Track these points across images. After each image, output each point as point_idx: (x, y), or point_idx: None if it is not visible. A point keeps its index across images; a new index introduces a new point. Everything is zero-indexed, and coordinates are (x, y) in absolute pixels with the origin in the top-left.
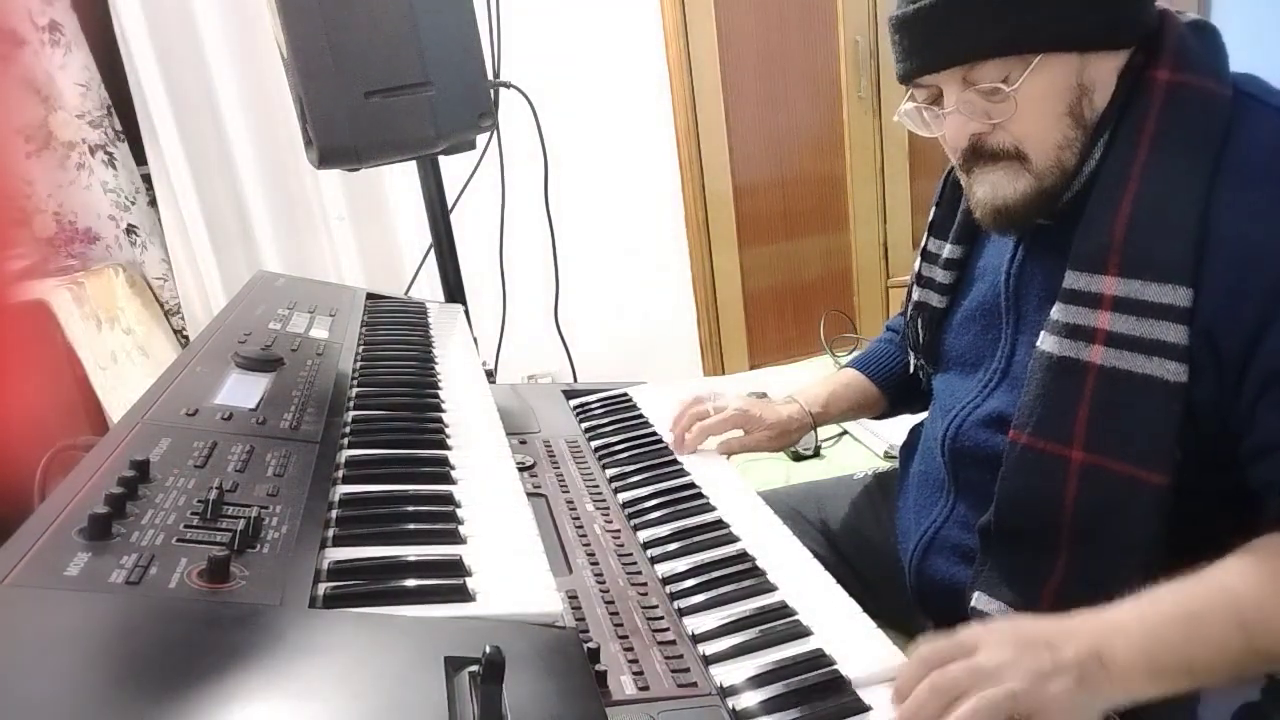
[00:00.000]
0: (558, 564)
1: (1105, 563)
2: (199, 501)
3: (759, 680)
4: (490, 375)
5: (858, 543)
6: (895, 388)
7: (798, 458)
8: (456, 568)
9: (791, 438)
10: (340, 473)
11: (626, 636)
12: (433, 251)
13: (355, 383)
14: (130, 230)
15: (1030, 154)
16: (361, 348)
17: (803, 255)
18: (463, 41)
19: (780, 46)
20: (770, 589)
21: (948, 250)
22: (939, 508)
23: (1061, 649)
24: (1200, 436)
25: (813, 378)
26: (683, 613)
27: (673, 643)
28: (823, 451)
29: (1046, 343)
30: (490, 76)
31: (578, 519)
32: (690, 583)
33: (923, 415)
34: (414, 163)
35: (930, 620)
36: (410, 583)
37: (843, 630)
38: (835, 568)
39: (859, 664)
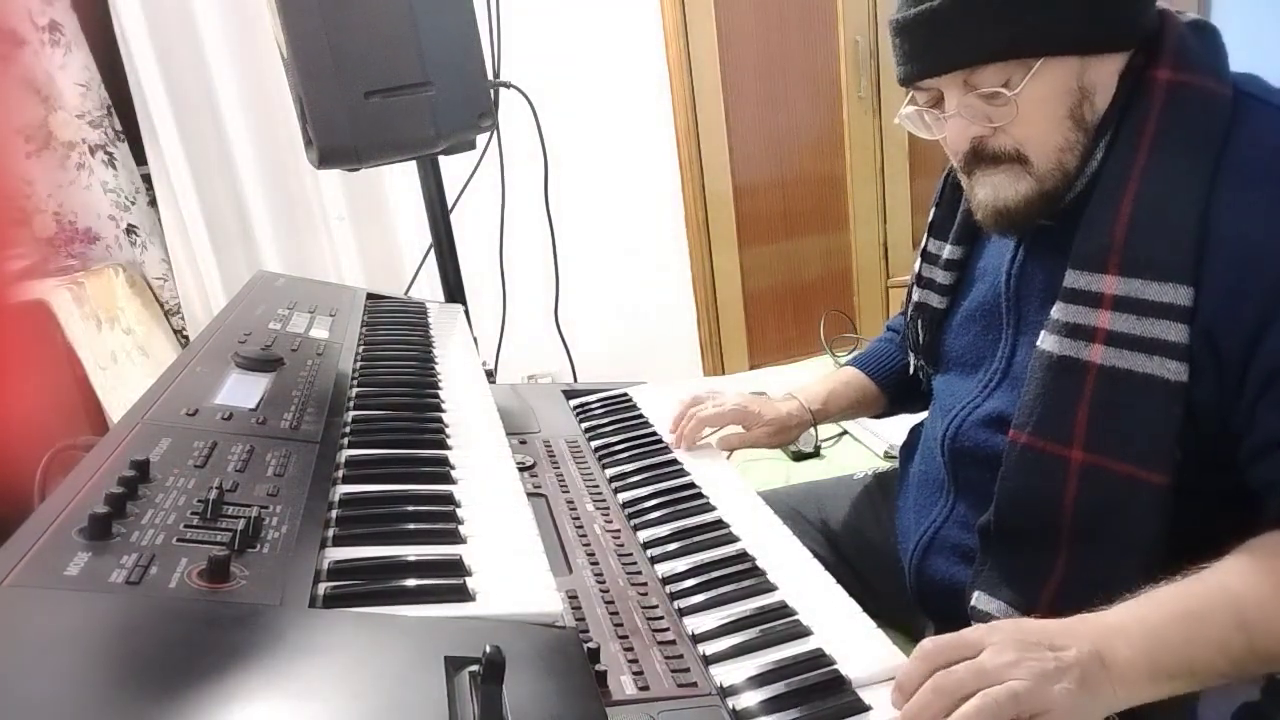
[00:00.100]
0: (558, 564)
1: (1105, 562)
2: (199, 501)
3: (759, 680)
4: (490, 375)
5: (858, 543)
6: (895, 387)
7: (798, 457)
8: (456, 568)
9: (791, 434)
10: (340, 473)
11: (626, 636)
12: (433, 251)
13: (355, 383)
14: (130, 230)
15: (1031, 157)
16: (361, 348)
17: (803, 255)
18: (463, 41)
19: (780, 46)
20: (770, 589)
21: (948, 251)
22: (939, 508)
23: (1064, 650)
24: (1200, 436)
25: (812, 377)
26: (683, 613)
27: (673, 643)
28: (823, 451)
29: (1047, 342)
30: (490, 76)
31: (578, 519)
32: (690, 583)
33: (922, 415)
34: (414, 163)
35: (930, 620)
36: (410, 583)
37: (843, 630)
38: (835, 568)
39: (859, 664)
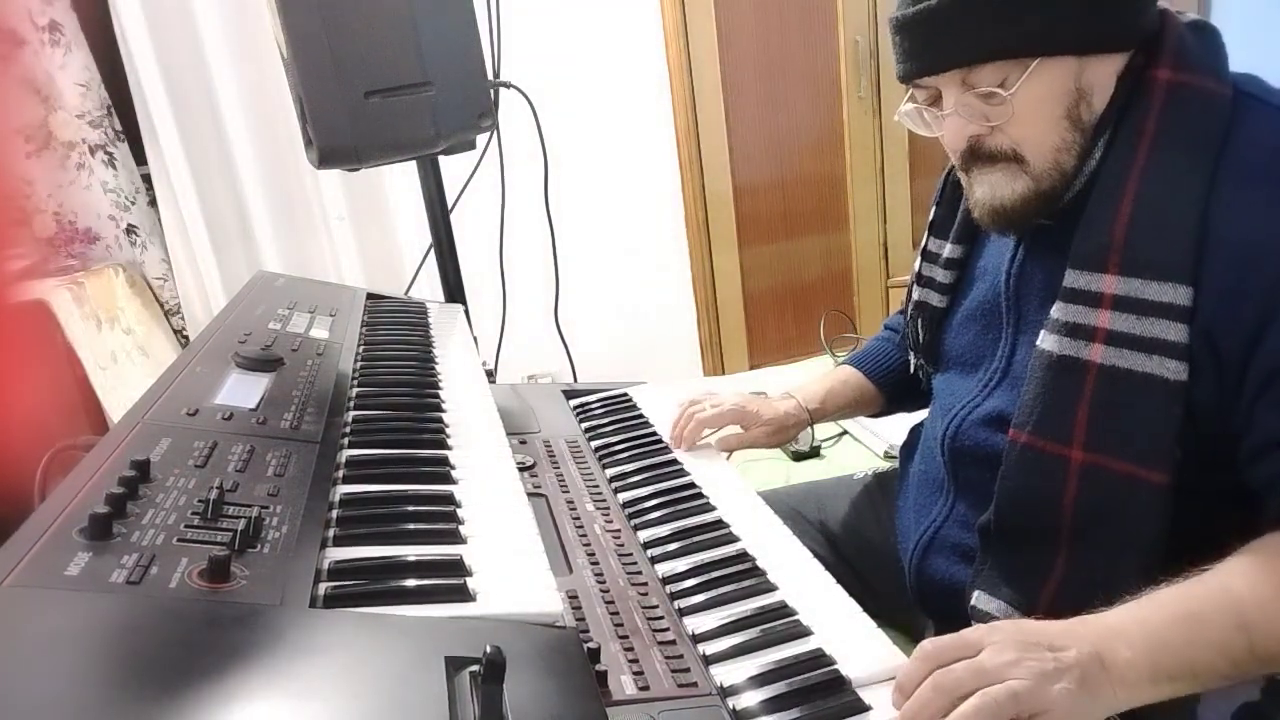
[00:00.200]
0: (558, 564)
1: (1105, 562)
2: (199, 501)
3: (759, 680)
4: (490, 375)
5: (858, 543)
6: (893, 386)
7: (797, 457)
8: (457, 568)
9: (789, 434)
10: (340, 473)
11: (626, 636)
12: (433, 251)
13: (355, 383)
14: (130, 230)
15: (1028, 156)
16: (361, 348)
17: (803, 255)
18: (463, 41)
19: (780, 46)
20: (770, 589)
21: (948, 250)
22: (939, 507)
23: (1064, 650)
24: (1200, 436)
25: (811, 377)
26: (683, 613)
27: (673, 642)
28: (822, 451)
29: (1046, 342)
30: (490, 76)
31: (578, 519)
32: (690, 583)
33: (922, 415)
34: (414, 163)
35: (930, 620)
36: (410, 583)
37: (843, 630)
38: (835, 568)
39: (859, 664)
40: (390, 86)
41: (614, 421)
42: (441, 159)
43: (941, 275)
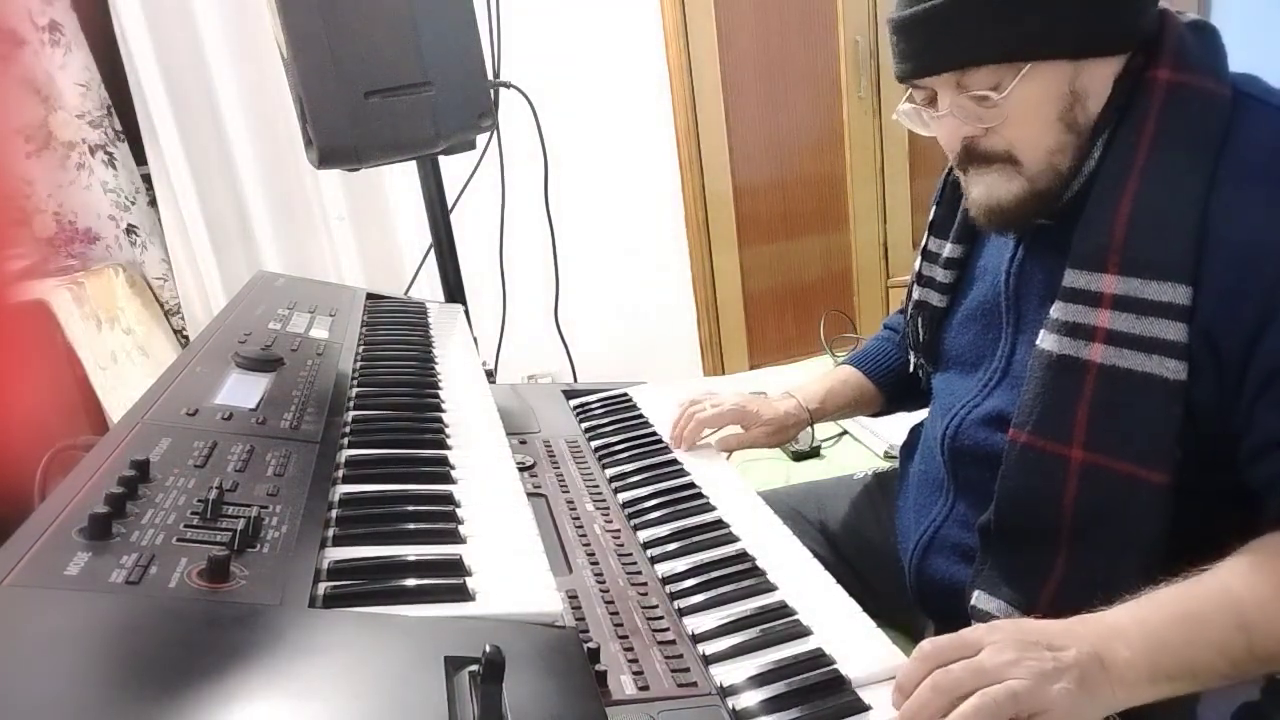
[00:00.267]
0: (558, 564)
1: (1105, 562)
2: (199, 501)
3: (759, 680)
4: (490, 375)
5: (858, 543)
6: (892, 385)
7: (797, 457)
8: (456, 567)
9: (789, 433)
10: (340, 472)
11: (626, 636)
12: (433, 251)
13: (355, 383)
14: (130, 230)
15: (1022, 158)
16: (361, 348)
17: (803, 255)
18: (463, 41)
19: (780, 46)
20: (770, 589)
21: (948, 249)
22: (939, 507)
23: (1063, 650)
24: (1200, 435)
25: (810, 376)
26: (683, 612)
27: (673, 642)
28: (822, 451)
29: (1046, 341)
30: (490, 76)
31: (578, 519)
32: (690, 582)
33: (922, 415)
34: (414, 163)
35: (930, 620)
36: (410, 582)
37: (843, 630)
38: (835, 568)
39: (859, 663)
40: (390, 86)
41: (614, 421)
42: (441, 159)
43: (941, 275)
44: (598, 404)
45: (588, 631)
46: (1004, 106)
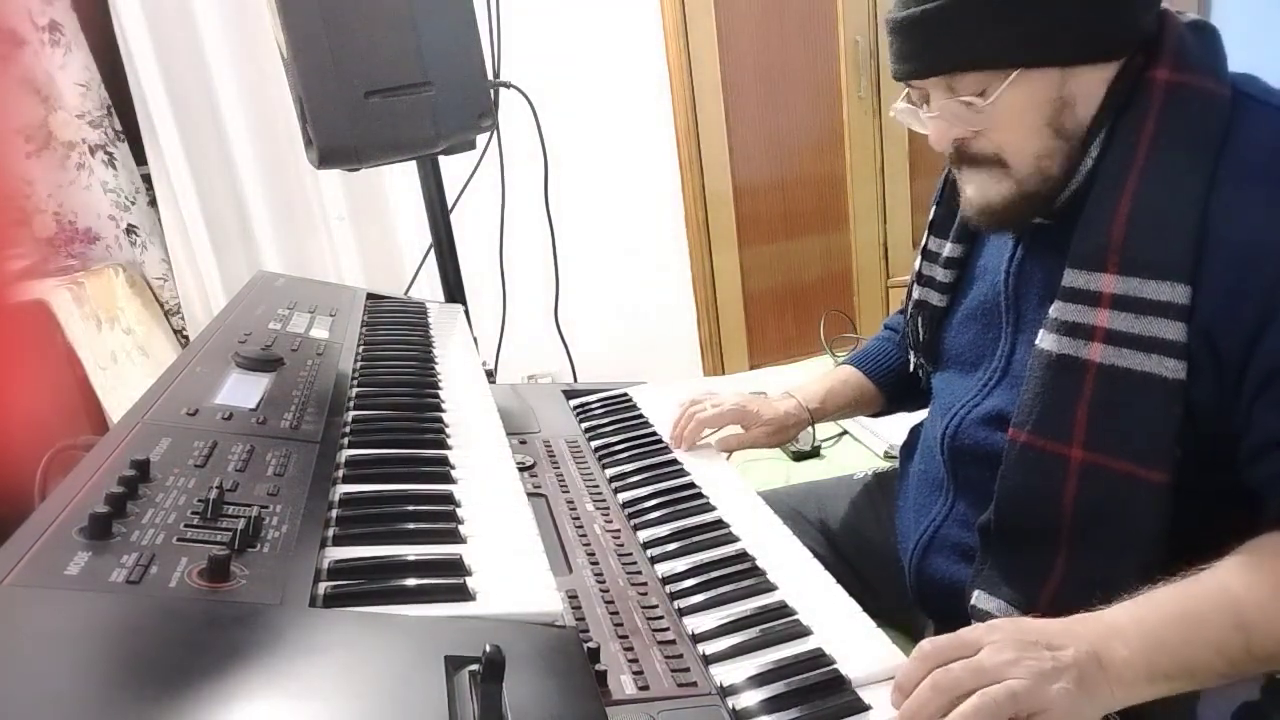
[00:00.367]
0: (558, 564)
1: (1105, 561)
2: (199, 501)
3: (759, 680)
4: (490, 375)
5: (858, 543)
6: (893, 385)
7: (797, 457)
8: (456, 567)
9: (789, 433)
10: (340, 472)
11: (626, 636)
12: (433, 251)
13: (355, 383)
14: (130, 230)
15: (1010, 161)
16: (361, 348)
17: (803, 255)
18: (463, 41)
19: (780, 46)
20: (770, 589)
21: (948, 249)
22: (938, 506)
23: (1062, 649)
24: (1200, 435)
25: (810, 376)
26: (683, 612)
27: (673, 642)
28: (823, 451)
29: (1045, 341)
30: (490, 76)
31: (578, 519)
32: (690, 582)
33: (922, 415)
34: (414, 163)
35: (930, 620)
36: (410, 582)
37: (843, 630)
38: (835, 567)
39: (859, 663)
40: (390, 86)
41: (614, 421)
42: (441, 159)
43: (941, 274)
44: (598, 404)
45: (588, 631)
46: (991, 111)
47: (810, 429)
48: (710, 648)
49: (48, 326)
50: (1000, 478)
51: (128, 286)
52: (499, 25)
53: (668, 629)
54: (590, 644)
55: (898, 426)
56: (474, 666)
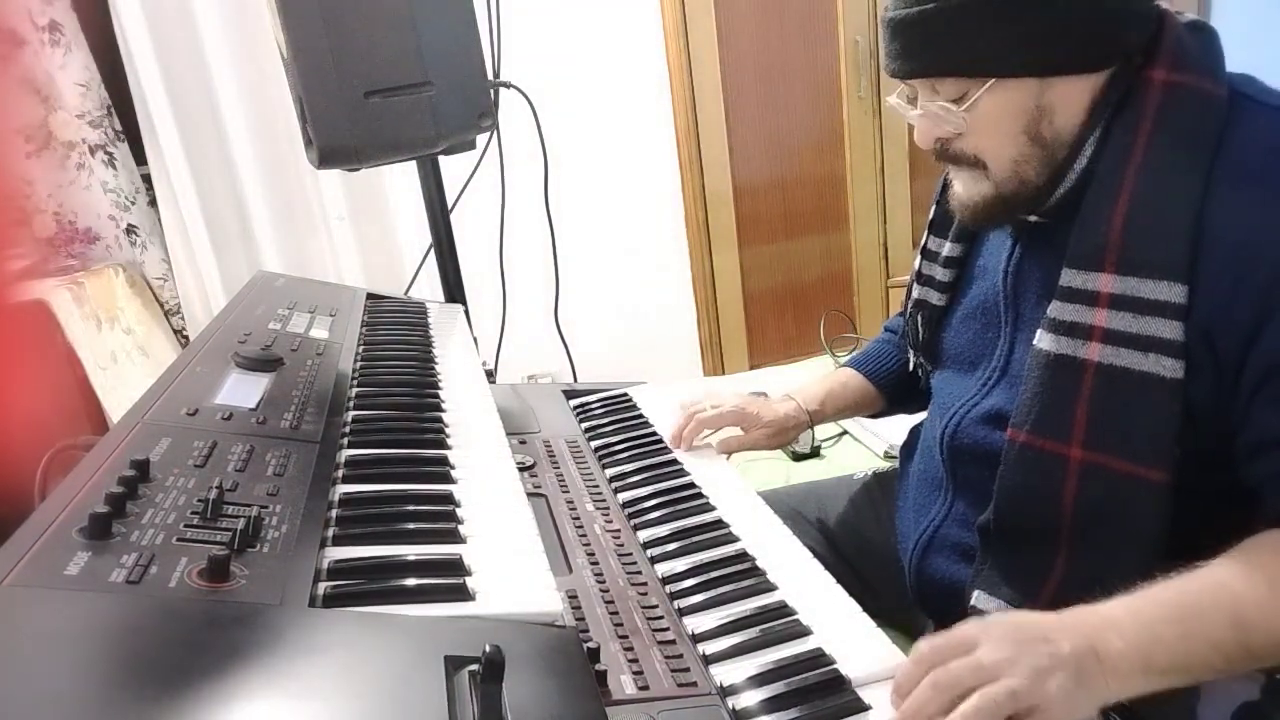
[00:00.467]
0: (558, 564)
1: (1105, 561)
2: (199, 501)
3: (759, 680)
4: (490, 375)
5: (858, 543)
6: (893, 387)
7: (797, 457)
8: (456, 567)
9: (789, 435)
10: (340, 472)
11: (626, 636)
12: (433, 251)
13: (355, 383)
14: (130, 230)
15: (989, 164)
16: (361, 348)
17: (803, 255)
18: (463, 41)
19: (780, 46)
20: (770, 588)
21: (947, 248)
22: (938, 506)
23: (1058, 644)
24: (1199, 434)
25: (811, 378)
26: (683, 612)
27: (673, 642)
28: (822, 451)
29: (1044, 340)
30: (490, 76)
31: (578, 519)
32: (690, 582)
33: (921, 415)
34: (414, 163)
35: (930, 619)
36: (410, 582)
37: (843, 630)
38: (835, 567)
39: (859, 663)
40: (390, 86)
41: (614, 421)
42: (441, 159)
43: (941, 274)
44: (598, 404)
45: (588, 631)
46: (969, 116)
47: (810, 431)
48: (710, 648)
49: (48, 326)
50: (999, 477)
51: (128, 286)
52: (499, 25)
53: (668, 629)
54: (590, 644)
55: (898, 426)
56: (474, 666)
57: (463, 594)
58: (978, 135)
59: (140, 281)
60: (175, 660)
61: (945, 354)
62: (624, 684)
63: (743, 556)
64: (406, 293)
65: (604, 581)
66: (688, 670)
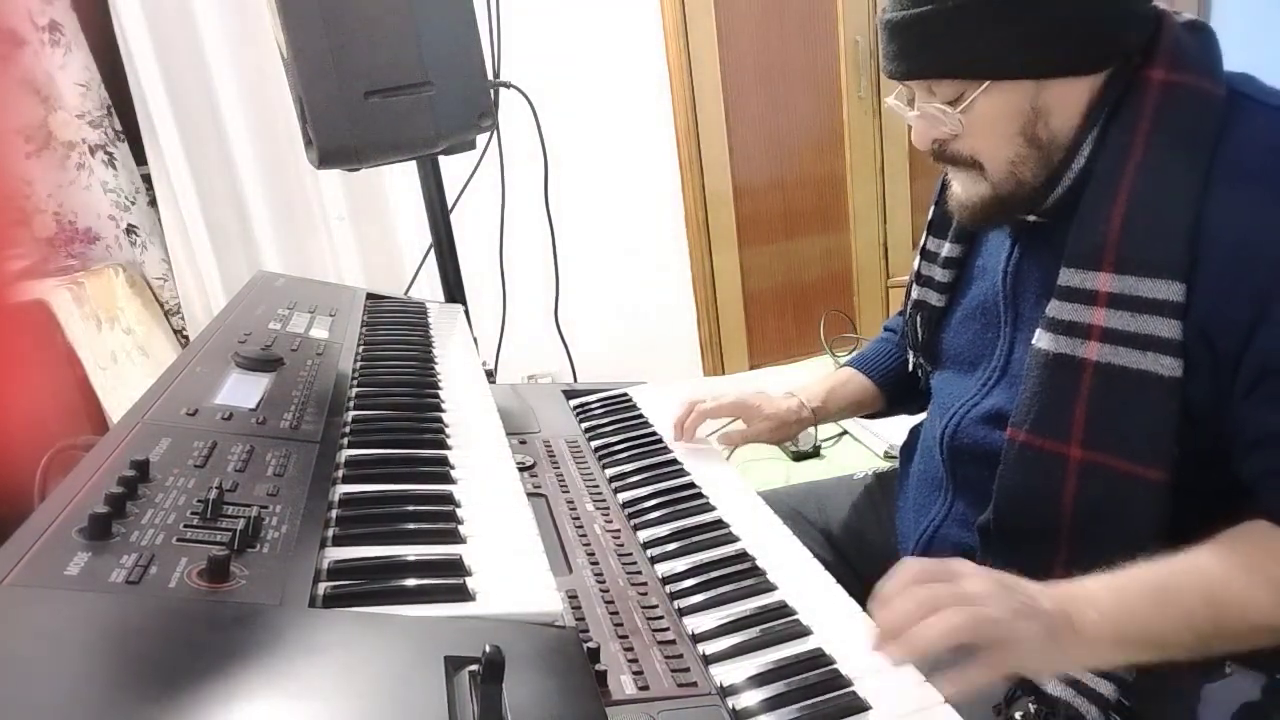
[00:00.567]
0: (558, 564)
1: (1105, 559)
2: (199, 501)
3: (759, 679)
4: (490, 375)
5: (858, 543)
6: (893, 387)
7: (797, 457)
8: (456, 567)
9: (790, 430)
10: (340, 472)
11: (626, 636)
12: (433, 251)
13: (355, 383)
14: (130, 230)
15: (985, 165)
16: (361, 348)
17: (803, 255)
18: (463, 41)
19: (780, 46)
20: (770, 588)
21: (947, 249)
22: (938, 506)
23: (1038, 600)
24: (1198, 433)
25: (812, 377)
26: (683, 612)
27: (673, 642)
28: (823, 451)
29: (1043, 340)
30: (490, 76)
31: (578, 519)
32: (690, 582)
33: (922, 415)
34: (414, 163)
35: None
36: (410, 582)
37: (842, 629)
38: (835, 567)
39: (859, 663)
40: (390, 86)
41: (614, 421)
42: (441, 159)
43: (940, 274)
44: (598, 404)
45: (588, 631)
46: (965, 118)
47: (811, 429)
48: (710, 648)
49: (48, 326)
50: (999, 477)
51: (128, 286)
52: (499, 25)
53: (668, 629)
54: (590, 644)
55: (898, 426)
56: (474, 667)
57: (463, 594)
58: (974, 136)
59: (140, 281)
60: (175, 660)
61: (945, 354)
62: (624, 684)
63: (743, 556)
64: (406, 293)
65: (604, 581)
66: (688, 670)
